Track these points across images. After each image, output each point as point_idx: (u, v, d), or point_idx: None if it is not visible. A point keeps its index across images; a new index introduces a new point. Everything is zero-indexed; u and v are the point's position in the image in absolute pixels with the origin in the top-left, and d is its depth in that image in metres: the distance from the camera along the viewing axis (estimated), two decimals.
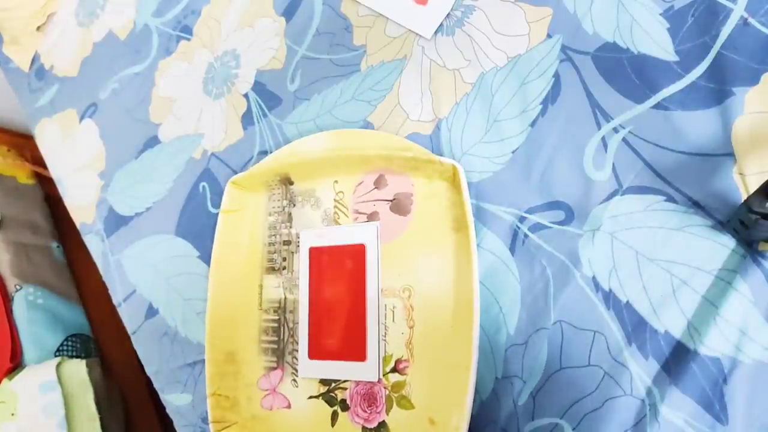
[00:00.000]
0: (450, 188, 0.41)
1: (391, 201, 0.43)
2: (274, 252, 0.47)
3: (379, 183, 0.44)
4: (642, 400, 0.32)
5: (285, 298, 0.46)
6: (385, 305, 0.41)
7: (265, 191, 0.48)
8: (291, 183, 0.47)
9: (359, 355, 0.41)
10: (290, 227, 0.47)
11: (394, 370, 0.40)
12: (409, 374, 0.39)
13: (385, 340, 0.41)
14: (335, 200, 0.45)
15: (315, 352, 0.43)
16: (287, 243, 0.46)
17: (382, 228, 0.43)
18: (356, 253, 0.43)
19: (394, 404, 0.39)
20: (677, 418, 0.30)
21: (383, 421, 0.39)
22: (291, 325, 0.45)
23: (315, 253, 0.45)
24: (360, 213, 0.44)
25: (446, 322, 0.39)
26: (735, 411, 0.29)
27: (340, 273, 0.43)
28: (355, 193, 0.44)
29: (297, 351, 0.44)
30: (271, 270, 0.47)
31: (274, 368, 0.45)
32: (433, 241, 0.40)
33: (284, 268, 0.46)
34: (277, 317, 0.46)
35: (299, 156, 0.45)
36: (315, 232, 0.45)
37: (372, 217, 0.43)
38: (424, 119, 0.44)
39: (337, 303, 0.43)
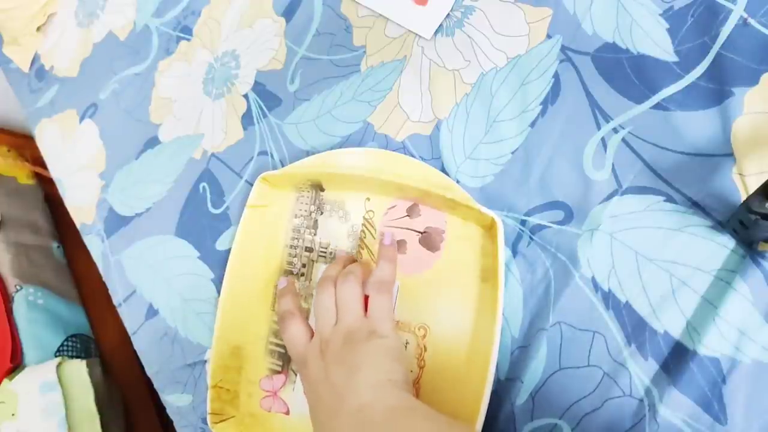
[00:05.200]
0: (484, 235, 0.39)
1: (421, 233, 0.41)
2: (295, 256, 0.46)
3: (411, 211, 0.42)
4: (641, 401, 0.32)
5: (300, 306, 0.45)
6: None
7: (293, 191, 0.47)
8: (322, 189, 0.46)
9: None
10: (314, 234, 0.46)
11: None
12: None
13: None
14: (365, 218, 0.44)
15: None
16: (309, 250, 0.46)
17: (407, 259, 0.41)
18: None
19: None
20: (676, 419, 0.30)
21: None
22: None
23: None
24: None
25: (458, 372, 0.37)
26: (734, 411, 0.29)
27: None
28: (386, 215, 0.43)
29: None
30: (290, 274, 0.46)
31: (278, 372, 0.45)
32: (458, 286, 0.39)
33: (302, 275, 0.45)
34: None
35: (334, 168, 0.44)
36: None
37: (399, 245, 0.42)
38: (424, 120, 0.44)
39: None
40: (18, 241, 0.86)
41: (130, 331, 0.56)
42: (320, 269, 0.45)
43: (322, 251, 0.45)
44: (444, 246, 0.40)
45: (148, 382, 0.54)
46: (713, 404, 0.30)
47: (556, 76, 0.39)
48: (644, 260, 0.33)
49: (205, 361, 0.49)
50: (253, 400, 0.45)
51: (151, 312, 0.54)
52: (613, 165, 0.36)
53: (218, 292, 0.49)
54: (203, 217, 0.53)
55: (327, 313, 0.38)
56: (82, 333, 0.84)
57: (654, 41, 0.36)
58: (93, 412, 0.72)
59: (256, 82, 0.54)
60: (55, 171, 0.69)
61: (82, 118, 0.68)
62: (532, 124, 0.39)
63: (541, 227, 0.37)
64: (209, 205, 0.53)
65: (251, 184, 0.50)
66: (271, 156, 0.50)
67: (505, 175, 0.39)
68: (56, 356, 0.77)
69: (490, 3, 0.43)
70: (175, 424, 0.51)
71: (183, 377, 0.51)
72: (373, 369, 0.34)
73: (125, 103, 0.64)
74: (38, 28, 0.78)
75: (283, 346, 0.45)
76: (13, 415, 0.67)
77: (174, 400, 0.51)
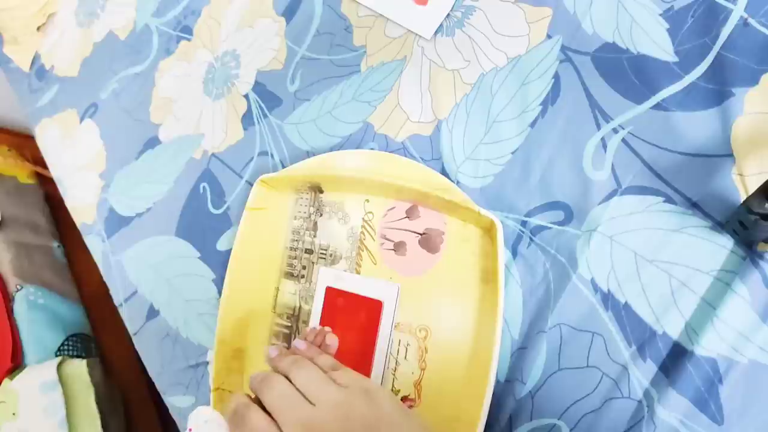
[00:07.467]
0: (484, 237, 0.39)
1: (421, 235, 0.41)
2: (295, 258, 0.46)
3: (411, 213, 0.42)
4: (639, 401, 0.32)
5: (300, 307, 0.45)
6: (399, 340, 0.40)
7: (292, 193, 0.47)
8: (321, 191, 0.46)
9: None
10: (314, 236, 0.46)
11: None
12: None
13: (393, 375, 0.40)
14: (364, 219, 0.44)
15: None
16: (309, 252, 0.46)
17: (407, 261, 0.41)
18: (372, 309, 0.41)
19: None
20: (673, 419, 0.30)
21: None
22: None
23: (331, 294, 0.44)
24: (387, 239, 0.43)
25: (459, 374, 0.38)
26: (730, 411, 0.29)
27: (352, 322, 0.42)
28: (386, 217, 0.43)
29: None
30: (290, 275, 0.46)
31: None
32: (459, 288, 0.39)
33: (303, 277, 0.45)
34: (289, 324, 0.45)
35: (333, 170, 0.44)
36: (335, 273, 0.44)
37: (399, 247, 0.42)
38: (424, 120, 0.44)
39: (343, 351, 0.42)
40: (18, 241, 0.86)
41: (131, 331, 0.56)
42: (320, 271, 0.45)
43: (321, 253, 0.45)
44: (444, 247, 0.40)
45: (149, 382, 0.54)
46: (710, 404, 0.30)
47: (556, 76, 0.39)
48: (643, 261, 0.33)
49: (207, 363, 0.49)
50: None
51: (152, 313, 0.55)
52: (612, 165, 0.36)
53: (219, 292, 0.49)
54: (204, 218, 0.53)
55: (289, 399, 0.31)
56: (83, 333, 0.84)
57: (654, 41, 0.36)
58: (93, 412, 0.72)
59: (256, 82, 0.54)
60: (55, 171, 0.69)
61: (82, 118, 0.68)
62: (532, 124, 0.39)
63: (541, 228, 0.37)
64: (210, 205, 0.53)
65: (251, 185, 0.50)
66: (272, 156, 0.50)
67: (505, 176, 0.39)
68: (57, 356, 0.77)
69: (491, 3, 0.43)
70: (177, 425, 0.51)
71: (185, 379, 0.51)
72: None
73: (125, 103, 0.64)
74: (38, 28, 0.78)
75: (285, 348, 0.45)
76: (13, 414, 0.68)
77: (176, 402, 0.51)
